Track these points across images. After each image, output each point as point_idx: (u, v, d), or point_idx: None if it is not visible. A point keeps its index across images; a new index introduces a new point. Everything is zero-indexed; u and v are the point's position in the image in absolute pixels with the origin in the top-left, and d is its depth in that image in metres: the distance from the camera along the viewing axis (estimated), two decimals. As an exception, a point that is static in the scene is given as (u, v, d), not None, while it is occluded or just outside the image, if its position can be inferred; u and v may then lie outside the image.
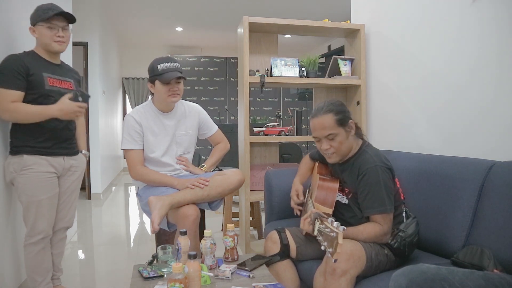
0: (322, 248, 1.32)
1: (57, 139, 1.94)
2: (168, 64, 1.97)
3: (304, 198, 1.90)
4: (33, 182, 1.86)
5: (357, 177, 1.58)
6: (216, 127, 2.30)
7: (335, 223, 1.29)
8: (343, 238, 1.27)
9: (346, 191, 1.68)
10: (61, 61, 2.06)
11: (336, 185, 1.69)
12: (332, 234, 1.26)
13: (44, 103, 1.85)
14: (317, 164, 1.91)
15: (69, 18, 1.93)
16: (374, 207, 1.51)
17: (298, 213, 1.87)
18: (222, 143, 2.32)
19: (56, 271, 2.12)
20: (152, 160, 2.06)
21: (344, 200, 1.69)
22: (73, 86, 2.04)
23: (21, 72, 1.80)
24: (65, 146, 1.99)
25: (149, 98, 2.18)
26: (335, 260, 1.26)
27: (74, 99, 1.83)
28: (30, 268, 1.93)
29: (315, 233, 1.40)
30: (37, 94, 1.85)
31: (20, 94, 1.80)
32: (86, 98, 1.90)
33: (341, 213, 1.70)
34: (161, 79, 1.96)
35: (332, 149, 1.60)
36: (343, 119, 1.59)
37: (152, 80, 2.01)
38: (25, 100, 1.82)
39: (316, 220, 1.42)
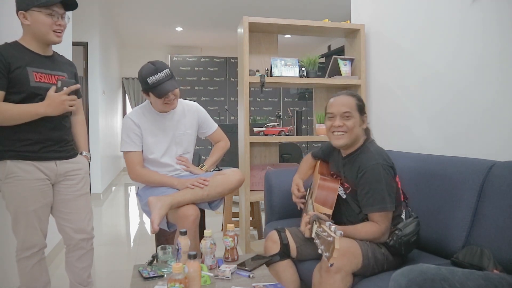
0: (319, 251, 1.32)
1: (46, 141, 1.68)
2: (158, 76, 1.89)
3: (305, 195, 1.90)
4: (20, 191, 1.63)
5: (357, 174, 1.57)
6: (216, 126, 2.29)
7: (333, 227, 1.30)
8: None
9: (346, 186, 1.68)
10: (54, 52, 1.79)
11: (336, 186, 1.69)
12: (329, 239, 1.26)
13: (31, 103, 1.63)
14: (318, 163, 1.91)
15: (70, 5, 1.68)
16: (374, 205, 1.50)
17: (302, 206, 1.87)
18: (222, 142, 2.31)
19: (84, 285, 1.89)
20: (151, 161, 2.06)
21: (343, 195, 1.68)
22: None
23: (1, 68, 1.55)
24: (56, 149, 1.73)
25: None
26: (331, 265, 1.26)
27: (59, 89, 1.61)
28: (25, 284, 1.75)
29: (313, 235, 1.40)
30: (22, 93, 1.60)
31: (0, 95, 1.57)
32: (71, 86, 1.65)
33: (338, 208, 1.67)
34: (155, 93, 1.92)
35: (344, 127, 1.59)
36: (362, 108, 1.65)
37: (145, 91, 1.98)
38: (9, 101, 1.59)
39: (314, 222, 1.41)
